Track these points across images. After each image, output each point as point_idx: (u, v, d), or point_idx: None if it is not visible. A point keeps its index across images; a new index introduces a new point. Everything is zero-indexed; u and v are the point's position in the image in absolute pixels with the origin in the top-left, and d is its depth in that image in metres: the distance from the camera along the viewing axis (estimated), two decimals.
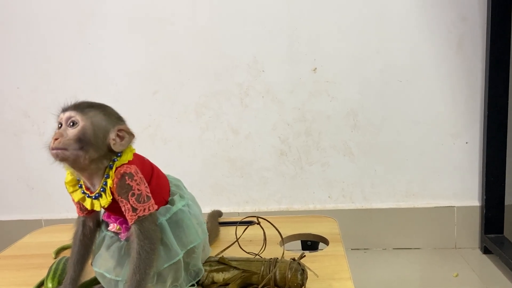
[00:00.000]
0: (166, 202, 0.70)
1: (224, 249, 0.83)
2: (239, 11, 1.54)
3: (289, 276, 0.69)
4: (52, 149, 0.61)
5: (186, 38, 1.57)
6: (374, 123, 1.56)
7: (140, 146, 1.73)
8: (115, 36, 1.59)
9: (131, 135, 0.66)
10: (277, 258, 0.74)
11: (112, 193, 0.63)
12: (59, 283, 0.75)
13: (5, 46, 1.61)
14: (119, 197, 0.63)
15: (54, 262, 0.81)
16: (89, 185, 0.66)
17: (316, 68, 1.55)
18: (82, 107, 0.64)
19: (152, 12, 1.57)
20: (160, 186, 0.70)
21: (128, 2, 1.56)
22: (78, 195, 0.67)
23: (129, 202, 0.63)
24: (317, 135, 1.59)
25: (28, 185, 1.72)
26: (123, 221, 0.67)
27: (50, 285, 0.74)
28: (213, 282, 0.72)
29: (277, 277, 0.70)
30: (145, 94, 1.62)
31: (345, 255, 0.84)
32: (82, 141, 0.61)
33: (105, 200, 0.64)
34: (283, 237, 0.89)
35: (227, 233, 0.99)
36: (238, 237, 0.84)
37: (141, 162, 0.68)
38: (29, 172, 1.70)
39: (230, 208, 1.66)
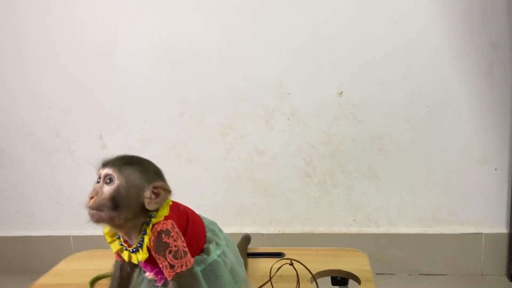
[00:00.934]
0: (201, 250, 0.71)
1: None
2: (265, 34, 1.55)
3: None
4: (89, 207, 0.63)
5: (212, 61, 1.59)
6: (401, 148, 1.55)
7: (167, 166, 1.76)
8: (143, 59, 1.62)
9: (167, 192, 0.65)
10: None
11: (148, 250, 0.64)
12: None
13: (39, 67, 1.66)
14: (156, 255, 0.64)
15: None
16: (126, 239, 0.67)
17: (342, 92, 1.55)
18: (120, 164, 0.65)
19: (179, 36, 1.59)
20: (195, 235, 0.70)
21: (157, 27, 1.59)
22: (116, 246, 0.69)
23: (166, 259, 0.63)
24: (342, 158, 1.59)
25: (58, 202, 1.76)
26: (159, 272, 0.68)
27: None
28: None
29: None
30: (172, 115, 1.65)
31: None
32: (116, 200, 0.62)
33: (142, 255, 0.65)
34: (313, 273, 0.90)
35: (257, 266, 0.99)
36: (271, 275, 0.84)
37: (176, 213, 0.68)
38: (58, 190, 1.75)
39: (253, 228, 1.67)
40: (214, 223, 0.77)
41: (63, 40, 1.62)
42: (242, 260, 0.77)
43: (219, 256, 0.71)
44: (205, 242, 0.72)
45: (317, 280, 0.92)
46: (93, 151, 1.70)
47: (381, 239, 1.60)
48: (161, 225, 0.64)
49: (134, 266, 0.74)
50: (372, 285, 0.89)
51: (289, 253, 1.07)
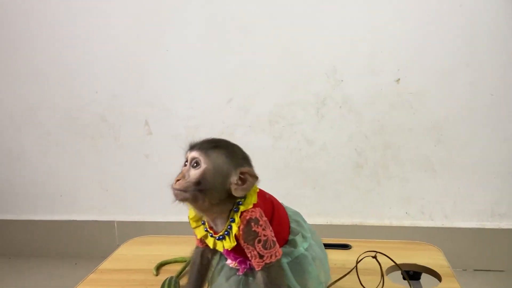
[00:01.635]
0: (286, 241, 0.67)
1: (335, 281, 0.79)
2: (319, 19, 1.50)
3: None
4: (173, 189, 0.60)
5: (263, 47, 1.54)
6: (460, 138, 1.48)
7: None
8: (192, 44, 1.58)
9: (254, 178, 0.62)
10: None
11: (236, 238, 0.61)
12: None
13: (85, 52, 1.64)
14: (245, 244, 0.61)
15: (165, 284, 0.80)
16: (212, 225, 0.64)
17: (399, 79, 1.48)
18: (207, 147, 0.62)
19: (230, 21, 1.55)
20: (280, 225, 0.67)
21: (206, 11, 1.55)
22: (200, 232, 0.66)
23: (255, 249, 0.60)
24: (396, 148, 1.53)
25: (102, 187, 1.75)
26: (242, 261, 0.65)
27: None
28: None
29: None
30: (219, 102, 1.61)
31: None
32: (201, 184, 0.59)
33: (229, 244, 0.62)
34: (388, 266, 0.85)
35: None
36: (355, 267, 0.80)
37: (263, 201, 0.65)
38: (103, 175, 1.74)
39: None
40: (298, 213, 0.73)
41: (112, 26, 1.60)
42: (326, 253, 0.73)
43: (306, 249, 0.67)
44: (289, 233, 0.68)
45: (389, 275, 0.87)
46: (138, 137, 1.69)
47: (435, 233, 1.54)
48: (250, 213, 0.60)
49: (214, 252, 0.71)
50: (453, 281, 0.84)
51: (355, 245, 1.03)
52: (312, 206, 1.63)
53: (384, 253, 0.87)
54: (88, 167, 1.74)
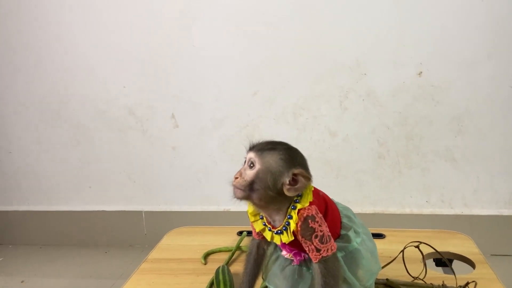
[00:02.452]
0: (338, 235, 0.71)
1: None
2: (343, 13, 1.53)
3: None
4: (232, 186, 0.65)
5: (288, 41, 1.58)
6: (481, 129, 1.53)
7: (238, 146, 1.78)
8: (218, 38, 1.62)
9: (307, 179, 0.65)
10: (445, 285, 0.75)
11: (294, 233, 0.66)
12: None
13: (113, 47, 1.68)
14: (303, 239, 0.65)
15: (219, 273, 0.86)
16: (270, 220, 0.69)
17: (421, 72, 1.53)
18: (263, 149, 0.66)
19: (255, 15, 1.58)
20: (334, 221, 0.71)
21: (232, 6, 1.59)
22: (259, 225, 0.70)
23: (313, 243, 0.65)
24: (418, 139, 1.58)
25: (130, 178, 1.81)
26: (297, 253, 0.70)
27: None
28: None
29: None
30: (245, 95, 1.66)
31: (499, 280, 0.85)
32: (255, 183, 0.64)
33: (287, 238, 0.66)
34: (424, 254, 0.91)
35: None
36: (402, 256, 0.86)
37: (317, 198, 0.69)
38: (132, 167, 1.79)
39: None
40: (348, 209, 0.78)
41: (139, 20, 1.64)
42: (375, 244, 0.76)
43: (359, 244, 0.71)
44: (341, 228, 0.72)
45: (425, 261, 0.93)
46: (165, 130, 1.74)
47: (454, 220, 1.60)
48: (306, 210, 0.65)
49: (269, 244, 0.76)
50: (487, 267, 0.90)
51: (387, 234, 1.09)
52: (335, 195, 1.66)
53: (408, 240, 0.93)
54: (117, 159, 1.79)
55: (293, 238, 0.66)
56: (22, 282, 1.59)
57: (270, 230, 0.69)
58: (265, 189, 0.63)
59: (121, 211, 1.84)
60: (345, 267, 0.69)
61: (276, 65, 1.61)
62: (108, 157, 1.79)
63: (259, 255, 0.75)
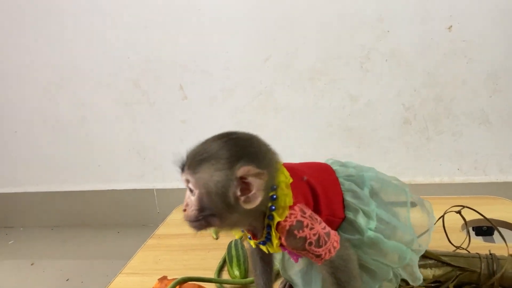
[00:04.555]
0: (343, 219, 0.55)
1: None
2: None
3: None
4: (185, 220, 0.51)
5: None
6: None
7: (251, 116, 1.67)
8: (224, 1, 1.50)
9: (261, 176, 0.48)
10: (494, 254, 0.64)
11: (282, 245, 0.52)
12: (246, 270, 0.70)
13: (114, 15, 1.57)
14: (295, 251, 0.52)
15: (231, 247, 0.77)
16: (249, 228, 0.55)
17: (451, 26, 1.38)
18: (193, 164, 0.50)
19: None
20: (331, 204, 0.55)
21: None
22: (237, 233, 0.57)
23: (309, 252, 0.51)
24: (448, 101, 1.44)
25: (140, 155, 1.72)
26: (291, 252, 0.56)
27: (237, 273, 0.70)
28: None
29: (503, 277, 0.61)
30: (256, 60, 1.53)
31: None
32: (205, 209, 0.49)
33: (274, 249, 0.53)
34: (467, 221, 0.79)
35: None
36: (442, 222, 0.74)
37: (301, 190, 0.53)
38: (140, 142, 1.70)
39: None
40: (351, 177, 0.58)
41: None
42: (406, 214, 0.59)
43: (374, 229, 0.55)
44: (344, 208, 0.56)
45: (464, 231, 0.82)
46: (173, 102, 1.63)
47: (489, 188, 1.47)
48: (288, 221, 0.50)
49: None
50: None
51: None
52: None
53: (445, 208, 0.81)
54: (125, 135, 1.70)
55: (280, 250, 0.53)
56: (32, 264, 1.54)
57: (250, 239, 0.55)
58: (220, 212, 0.49)
59: (132, 189, 1.76)
60: (365, 257, 0.55)
61: (289, 25, 1.48)
62: (115, 133, 1.70)
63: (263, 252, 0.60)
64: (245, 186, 0.48)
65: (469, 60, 1.39)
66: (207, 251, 0.83)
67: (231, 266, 0.72)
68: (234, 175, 0.47)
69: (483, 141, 1.45)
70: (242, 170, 0.47)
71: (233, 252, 0.75)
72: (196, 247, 0.85)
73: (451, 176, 1.50)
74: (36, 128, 1.74)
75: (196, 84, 1.60)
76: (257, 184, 0.47)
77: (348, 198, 0.56)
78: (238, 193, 0.47)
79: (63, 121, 1.72)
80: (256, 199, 0.48)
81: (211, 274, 0.73)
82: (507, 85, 1.38)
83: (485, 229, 0.89)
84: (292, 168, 0.52)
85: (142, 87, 1.64)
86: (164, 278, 0.65)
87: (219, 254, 0.80)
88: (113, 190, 1.77)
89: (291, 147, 1.58)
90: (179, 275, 0.70)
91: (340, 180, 0.57)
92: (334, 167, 0.59)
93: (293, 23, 1.48)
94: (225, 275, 0.73)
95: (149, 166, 1.73)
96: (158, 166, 1.73)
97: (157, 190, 1.74)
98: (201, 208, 0.49)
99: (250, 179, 0.47)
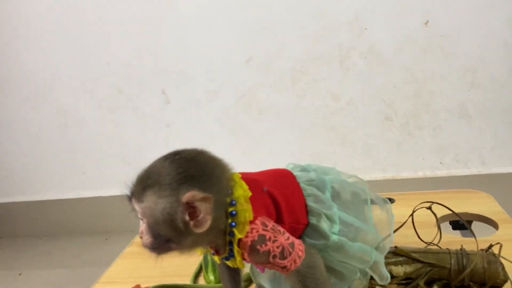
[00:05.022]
0: (306, 225, 0.55)
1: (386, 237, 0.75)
2: None
3: (488, 271, 0.61)
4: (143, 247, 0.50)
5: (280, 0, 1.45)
6: (497, 80, 1.40)
7: (236, 118, 1.67)
8: (204, 2, 1.50)
9: (205, 200, 0.46)
10: (464, 249, 0.65)
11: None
12: None
13: (94, 21, 1.56)
14: (260, 264, 0.52)
15: (207, 253, 0.77)
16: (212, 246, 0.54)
17: (428, 21, 1.39)
18: (138, 192, 0.49)
19: None
20: (294, 212, 0.54)
21: None
22: (200, 250, 0.56)
23: (274, 264, 0.50)
24: (428, 96, 1.45)
25: (125, 161, 1.72)
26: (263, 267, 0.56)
27: (212, 277, 0.71)
28: (392, 276, 0.65)
29: (473, 272, 0.61)
30: (238, 62, 1.54)
31: None
32: (159, 237, 0.48)
33: (239, 264, 0.51)
34: (438, 217, 0.80)
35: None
36: (412, 219, 0.75)
37: (261, 202, 0.52)
38: (125, 148, 1.70)
39: None
40: (312, 182, 0.57)
41: None
42: (368, 214, 0.59)
43: (338, 233, 0.54)
44: (307, 213, 0.55)
45: (439, 224, 0.83)
46: (157, 106, 1.63)
47: (472, 180, 1.49)
48: (250, 236, 0.48)
49: None
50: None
51: (397, 198, 0.99)
52: (343, 163, 1.58)
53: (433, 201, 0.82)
54: (109, 141, 1.70)
55: (244, 266, 0.52)
56: (19, 275, 1.54)
57: (214, 254, 0.54)
58: (172, 238, 0.48)
59: (119, 195, 1.75)
60: (331, 260, 0.55)
61: (269, 27, 1.49)
62: (99, 139, 1.70)
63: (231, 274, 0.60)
64: (193, 210, 0.46)
65: (446, 54, 1.40)
66: (185, 257, 0.83)
67: (206, 271, 0.73)
68: (180, 201, 0.46)
69: (463, 134, 1.46)
70: (186, 196, 0.46)
71: (209, 257, 0.75)
72: (174, 253, 0.85)
73: (434, 170, 1.52)
74: (19, 137, 1.74)
75: (179, 87, 1.60)
76: (204, 208, 0.46)
77: (310, 203, 0.55)
78: (187, 218, 0.46)
79: (46, 129, 1.71)
80: (205, 222, 0.46)
81: (188, 280, 0.73)
82: (485, 78, 1.40)
83: (461, 223, 0.90)
84: (251, 180, 0.52)
85: (125, 92, 1.63)
86: (137, 287, 0.65)
87: (197, 260, 0.80)
88: (99, 197, 1.77)
89: (277, 147, 1.59)
90: (156, 283, 0.70)
91: (301, 185, 0.56)
92: (295, 173, 0.58)
93: (273, 24, 1.48)
94: (202, 281, 0.74)
95: (135, 172, 1.73)
96: None
97: None
98: (154, 236, 0.48)
99: (197, 204, 0.46)
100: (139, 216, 0.49)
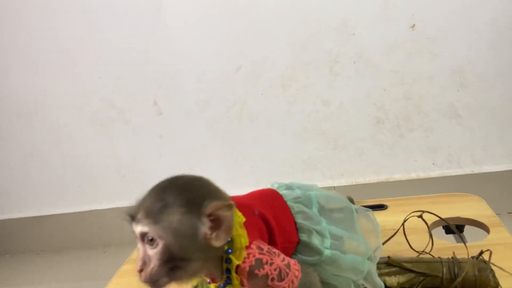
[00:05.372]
0: (297, 242, 0.55)
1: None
2: None
3: (479, 279, 0.61)
4: (143, 283, 0.47)
5: (268, 7, 1.46)
6: (485, 80, 1.41)
7: (228, 127, 1.68)
8: (192, 14, 1.50)
9: (228, 208, 0.47)
10: (456, 257, 0.66)
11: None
12: None
13: (82, 36, 1.57)
14: None
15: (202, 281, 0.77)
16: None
17: (414, 25, 1.40)
18: (153, 213, 0.47)
19: None
20: (285, 232, 0.54)
21: None
22: (196, 279, 0.55)
23: (273, 287, 0.50)
24: (417, 98, 1.46)
25: (120, 173, 1.72)
26: None
27: None
28: (387, 287, 0.65)
29: (465, 280, 0.62)
30: (228, 71, 1.54)
31: None
32: (171, 261, 0.46)
33: None
34: (429, 223, 0.81)
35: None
36: (402, 228, 0.76)
37: (253, 223, 0.52)
38: (119, 161, 1.70)
39: (324, 182, 1.59)
40: (299, 198, 0.58)
41: (107, 3, 1.52)
42: (356, 225, 0.60)
43: (330, 247, 0.55)
44: (297, 230, 0.55)
45: (432, 232, 0.83)
46: (149, 118, 1.64)
47: (465, 180, 1.50)
48: (247, 262, 0.49)
49: None
50: (503, 230, 0.80)
51: (390, 204, 0.99)
52: (335, 167, 1.59)
53: (424, 209, 0.82)
54: (103, 155, 1.70)
55: None
56: None
57: (209, 283, 0.53)
58: (188, 260, 0.47)
59: (115, 208, 1.76)
60: (325, 274, 0.56)
61: (257, 35, 1.49)
62: (93, 153, 1.70)
63: None
64: (213, 224, 0.46)
65: (434, 56, 1.41)
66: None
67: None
68: (203, 214, 0.46)
69: (454, 134, 1.47)
70: (211, 206, 0.46)
71: None
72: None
73: (427, 171, 1.53)
74: (12, 154, 1.73)
75: (171, 98, 1.61)
76: (227, 216, 0.47)
77: (300, 220, 0.55)
78: (208, 232, 0.46)
79: (39, 145, 1.71)
80: (226, 235, 0.47)
81: None
82: (473, 78, 1.41)
83: (454, 227, 0.91)
84: (242, 204, 0.52)
85: (116, 106, 1.64)
86: None
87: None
88: (95, 210, 1.77)
89: (269, 153, 1.60)
90: None
91: (289, 203, 0.57)
92: (281, 192, 0.59)
93: (261, 32, 1.49)
94: None
95: (130, 184, 1.73)
96: (140, 183, 1.73)
97: None
98: (166, 260, 0.46)
99: (220, 213, 0.46)
100: (152, 237, 0.46)
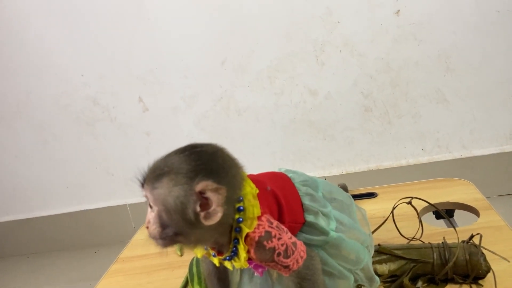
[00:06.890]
0: (303, 223, 0.55)
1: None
2: None
3: (470, 263, 0.61)
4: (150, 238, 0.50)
5: None
6: (471, 63, 1.41)
7: (215, 121, 1.66)
8: (174, 7, 1.48)
9: (219, 191, 0.46)
10: (446, 242, 0.65)
11: (250, 258, 0.52)
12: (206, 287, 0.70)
13: (64, 34, 1.53)
14: (264, 263, 0.51)
15: (192, 265, 0.76)
16: (214, 246, 0.53)
17: (399, 10, 1.39)
18: (152, 180, 0.48)
19: None
20: (293, 211, 0.55)
21: None
22: (200, 251, 0.54)
23: (278, 263, 0.50)
24: (404, 85, 1.46)
25: (108, 172, 1.70)
26: (257, 266, 0.55)
27: None
28: (378, 275, 0.65)
29: (456, 265, 0.62)
30: (213, 65, 1.52)
31: (509, 226, 0.75)
32: (166, 227, 0.47)
33: (240, 264, 0.51)
34: (419, 209, 0.80)
35: None
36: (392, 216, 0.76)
37: (266, 200, 0.52)
38: (107, 159, 1.68)
39: (315, 173, 1.59)
40: (306, 182, 0.59)
41: (85, 1, 1.48)
42: (355, 215, 0.61)
43: (336, 230, 0.56)
44: (303, 211, 0.56)
45: (422, 218, 0.83)
46: (135, 115, 1.61)
47: (454, 165, 1.50)
48: (257, 232, 0.49)
49: None
50: (493, 213, 0.80)
51: (380, 191, 0.99)
52: (325, 157, 1.58)
53: (413, 195, 0.82)
54: (90, 154, 1.68)
55: (247, 265, 0.52)
56: None
57: (215, 256, 0.53)
58: (182, 229, 0.47)
59: (105, 207, 1.74)
60: (329, 260, 0.56)
61: (241, 27, 1.47)
62: (80, 153, 1.67)
63: (221, 271, 0.59)
64: (205, 202, 0.46)
65: (419, 42, 1.41)
66: (171, 270, 0.82)
67: (192, 284, 0.72)
68: (193, 190, 0.46)
69: (442, 119, 1.47)
70: (200, 184, 0.46)
71: (194, 269, 0.74)
72: (160, 266, 0.84)
73: (416, 157, 1.53)
74: None
75: (156, 95, 1.58)
76: (216, 199, 0.46)
77: (307, 202, 0.56)
78: (198, 208, 0.46)
79: (24, 147, 1.68)
80: (216, 215, 0.46)
81: None
82: (458, 63, 1.41)
83: (444, 212, 0.91)
84: (255, 180, 0.52)
85: (101, 104, 1.61)
86: None
87: (183, 272, 0.79)
88: (85, 210, 1.74)
89: (259, 147, 1.59)
90: None
91: (297, 185, 0.57)
92: (289, 175, 0.59)
93: (245, 25, 1.47)
94: None
95: (119, 182, 1.71)
96: (128, 181, 1.70)
97: (130, 205, 1.72)
98: (162, 225, 0.47)
99: (209, 194, 0.46)
100: (150, 203, 0.48)
